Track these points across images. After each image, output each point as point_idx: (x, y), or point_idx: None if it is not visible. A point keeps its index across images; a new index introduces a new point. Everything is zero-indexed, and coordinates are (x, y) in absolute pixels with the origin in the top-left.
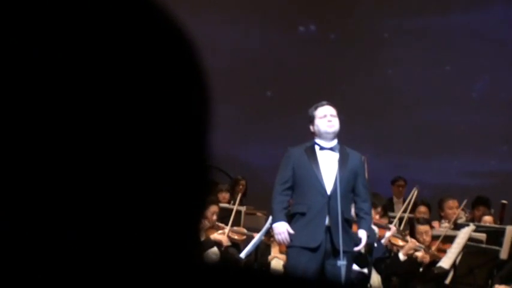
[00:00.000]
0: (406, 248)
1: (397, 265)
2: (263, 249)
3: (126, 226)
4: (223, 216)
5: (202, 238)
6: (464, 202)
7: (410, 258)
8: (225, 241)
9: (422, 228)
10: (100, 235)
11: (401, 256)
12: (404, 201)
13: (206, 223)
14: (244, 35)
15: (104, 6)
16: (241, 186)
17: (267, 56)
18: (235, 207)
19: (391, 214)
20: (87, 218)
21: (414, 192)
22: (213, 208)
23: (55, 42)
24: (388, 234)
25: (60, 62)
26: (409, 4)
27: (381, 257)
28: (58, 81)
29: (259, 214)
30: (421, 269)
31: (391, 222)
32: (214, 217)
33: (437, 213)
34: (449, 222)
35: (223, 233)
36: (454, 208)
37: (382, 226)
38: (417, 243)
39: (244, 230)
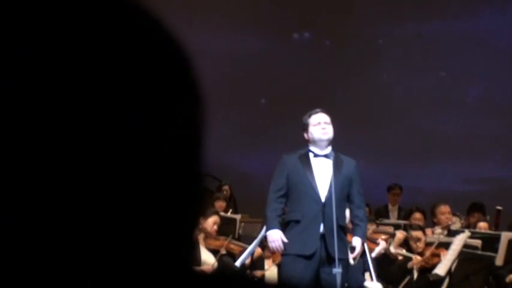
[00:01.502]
0: (396, 241)
1: (390, 258)
2: (257, 258)
3: (121, 234)
4: (220, 224)
5: (202, 247)
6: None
7: (403, 264)
8: (222, 248)
9: (415, 233)
10: (94, 244)
11: (393, 249)
12: (399, 209)
13: (207, 233)
14: (238, 42)
15: (98, 15)
16: (225, 192)
17: (261, 63)
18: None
19: (386, 221)
20: (81, 224)
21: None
22: (214, 218)
23: (50, 50)
24: (378, 249)
25: (56, 69)
26: (404, 10)
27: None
28: (52, 87)
29: (236, 220)
30: (415, 276)
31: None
32: (215, 227)
33: (430, 219)
34: (442, 228)
35: (222, 244)
36: (446, 213)
37: (372, 240)
38: (404, 233)
39: (243, 244)
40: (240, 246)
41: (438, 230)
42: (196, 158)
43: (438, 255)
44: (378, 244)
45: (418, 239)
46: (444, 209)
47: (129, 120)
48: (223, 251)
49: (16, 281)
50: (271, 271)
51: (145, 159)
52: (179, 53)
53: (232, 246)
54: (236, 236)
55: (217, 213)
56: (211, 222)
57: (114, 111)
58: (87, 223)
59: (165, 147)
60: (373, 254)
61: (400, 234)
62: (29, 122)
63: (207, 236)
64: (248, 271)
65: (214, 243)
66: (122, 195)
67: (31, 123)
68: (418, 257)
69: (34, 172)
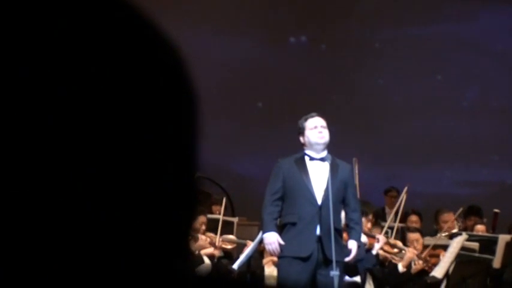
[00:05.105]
0: (406, 260)
1: (395, 276)
2: (256, 258)
3: (115, 238)
4: (215, 227)
5: (193, 249)
6: (459, 211)
7: (407, 271)
8: (216, 253)
9: (413, 236)
10: (87, 248)
11: (401, 268)
12: (397, 212)
13: (196, 235)
14: (235, 46)
15: (92, 20)
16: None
17: (258, 67)
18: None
19: (383, 224)
20: (76, 226)
21: (403, 196)
22: (202, 219)
23: (47, 51)
24: (378, 245)
25: (51, 71)
26: (400, 14)
27: (371, 268)
28: (47, 89)
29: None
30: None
31: (385, 233)
32: (203, 227)
33: (430, 224)
34: (442, 235)
35: (214, 242)
36: (449, 222)
37: (371, 235)
38: (415, 251)
39: (234, 238)
40: (233, 242)
41: (438, 235)
42: (191, 162)
43: (436, 256)
44: (376, 239)
45: (417, 241)
46: (448, 217)
47: (123, 123)
48: (217, 253)
49: (16, 281)
50: (270, 271)
51: (138, 162)
52: (174, 56)
53: (226, 245)
54: None
55: (203, 213)
56: (198, 223)
57: (107, 115)
58: (82, 225)
59: (161, 150)
60: (374, 252)
61: (410, 254)
62: (21, 123)
63: (199, 237)
64: (247, 272)
65: (206, 246)
66: (115, 197)
67: (24, 125)
68: (420, 262)
69: (25, 174)
